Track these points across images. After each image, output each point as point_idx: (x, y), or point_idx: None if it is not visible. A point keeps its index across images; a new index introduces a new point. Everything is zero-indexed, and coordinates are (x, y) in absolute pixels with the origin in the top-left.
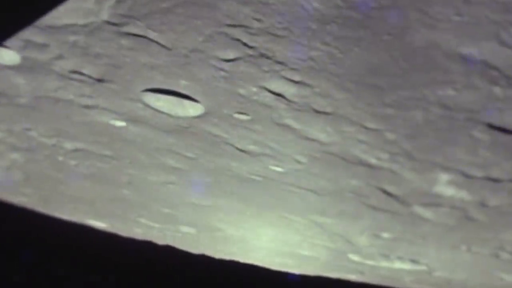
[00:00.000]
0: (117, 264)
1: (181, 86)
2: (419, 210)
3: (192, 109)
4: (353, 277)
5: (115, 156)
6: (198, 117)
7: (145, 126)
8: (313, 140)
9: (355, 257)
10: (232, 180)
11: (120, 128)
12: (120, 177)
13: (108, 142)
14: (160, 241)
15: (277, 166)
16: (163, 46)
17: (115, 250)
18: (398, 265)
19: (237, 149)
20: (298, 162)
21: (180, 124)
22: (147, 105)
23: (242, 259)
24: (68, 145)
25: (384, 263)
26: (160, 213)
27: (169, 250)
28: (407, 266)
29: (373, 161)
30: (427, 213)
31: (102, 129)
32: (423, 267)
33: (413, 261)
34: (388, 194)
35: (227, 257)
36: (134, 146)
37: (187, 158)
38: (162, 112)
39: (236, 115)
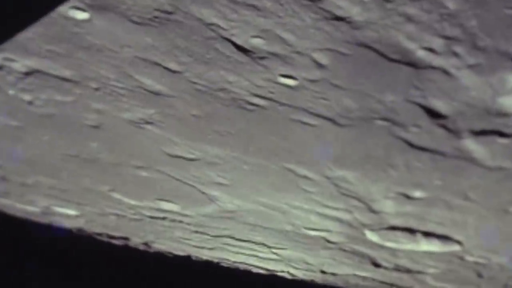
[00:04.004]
0: (89, 270)
1: None
2: (470, 144)
3: None
4: (364, 274)
5: (77, 78)
6: None
7: (114, 16)
8: (341, 20)
9: (373, 237)
10: (227, 110)
11: (83, 23)
12: (86, 118)
13: (68, 52)
14: (138, 233)
15: (289, 76)
16: None
17: (88, 255)
18: (424, 246)
19: (237, 47)
20: (318, 65)
21: (160, 7)
22: None
23: (233, 258)
24: (19, 65)
25: (407, 245)
26: (137, 180)
27: (149, 254)
28: (435, 247)
29: (421, 54)
30: (479, 149)
31: (59, 29)
32: (455, 247)
33: (445, 237)
34: (433, 115)
35: (216, 255)
36: (101, 57)
37: (170, 73)
38: None
39: None
